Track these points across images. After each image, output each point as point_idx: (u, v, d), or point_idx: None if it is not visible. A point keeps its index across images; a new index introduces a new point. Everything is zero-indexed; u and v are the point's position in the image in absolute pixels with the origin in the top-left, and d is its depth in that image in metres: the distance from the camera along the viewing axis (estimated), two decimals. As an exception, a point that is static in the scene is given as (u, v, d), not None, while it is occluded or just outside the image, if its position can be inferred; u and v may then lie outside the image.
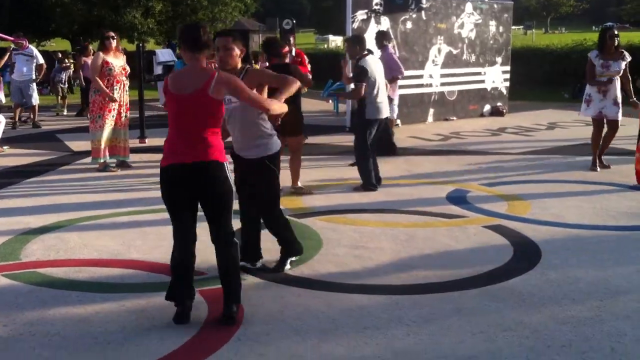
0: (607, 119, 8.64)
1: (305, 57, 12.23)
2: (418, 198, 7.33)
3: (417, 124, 13.41)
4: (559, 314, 4.18)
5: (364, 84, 7.42)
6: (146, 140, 11.35)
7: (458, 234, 5.95)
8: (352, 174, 8.35)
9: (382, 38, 10.07)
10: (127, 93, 9.19)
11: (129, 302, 4.43)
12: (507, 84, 15.36)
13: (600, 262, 5.16)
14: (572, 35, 35.71)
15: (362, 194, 7.53)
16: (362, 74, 7.46)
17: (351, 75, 8.08)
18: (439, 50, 13.89)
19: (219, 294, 4.29)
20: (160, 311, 4.26)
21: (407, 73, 12.38)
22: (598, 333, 3.91)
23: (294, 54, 11.42)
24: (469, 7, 14.24)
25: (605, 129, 8.74)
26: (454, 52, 14.15)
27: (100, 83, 8.74)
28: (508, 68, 15.31)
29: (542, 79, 20.52)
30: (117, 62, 8.98)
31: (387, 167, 8.19)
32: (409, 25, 13.20)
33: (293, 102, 7.07)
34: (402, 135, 11.62)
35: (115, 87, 8.86)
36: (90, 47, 15.83)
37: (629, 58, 8.60)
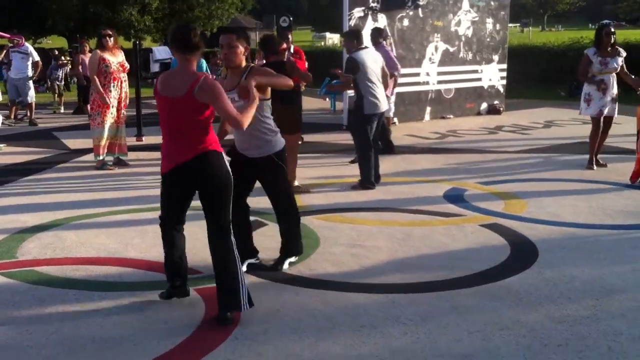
0: (604, 117, 8.65)
1: (303, 54, 12.21)
2: (415, 196, 7.34)
3: (414, 122, 13.40)
4: (555, 313, 4.19)
5: (351, 75, 7.42)
6: (143, 138, 11.34)
7: (455, 232, 5.96)
8: (349, 172, 8.37)
9: (377, 35, 10.06)
10: (126, 90, 9.15)
11: (127, 300, 4.43)
12: (504, 82, 15.36)
13: (596, 261, 5.17)
14: (569, 33, 35.78)
15: (360, 192, 7.53)
16: (351, 67, 7.46)
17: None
18: (436, 48, 13.89)
19: (215, 293, 4.29)
20: (158, 310, 4.27)
21: (404, 71, 12.40)
22: (594, 332, 3.93)
23: (292, 50, 11.40)
24: (465, 4, 14.23)
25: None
26: (451, 49, 14.15)
27: (97, 83, 8.75)
28: (505, 66, 15.31)
29: (539, 76, 20.52)
30: (115, 59, 8.96)
31: (384, 165, 8.19)
32: (405, 22, 13.20)
33: (291, 101, 7.11)
34: (399, 134, 11.63)
35: (112, 85, 8.86)
36: (87, 44, 15.77)
37: (624, 54, 8.64)
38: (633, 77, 8.48)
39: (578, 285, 4.67)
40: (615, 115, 8.71)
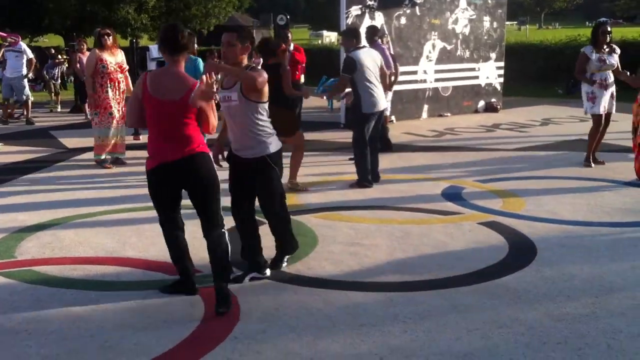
0: (605, 114, 8.66)
1: (303, 50, 12.22)
2: (413, 195, 7.34)
3: (412, 120, 13.41)
4: (554, 311, 4.20)
5: (348, 75, 7.43)
6: (140, 137, 11.32)
7: (453, 230, 5.96)
8: (347, 170, 8.37)
9: (372, 33, 10.03)
10: (122, 90, 9.09)
11: (125, 300, 4.43)
12: (501, 79, 15.36)
13: (595, 259, 5.18)
14: (566, 31, 35.82)
15: (357, 190, 7.53)
16: (348, 67, 7.46)
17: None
18: (433, 46, 13.88)
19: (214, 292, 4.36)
20: (157, 309, 4.27)
21: (401, 69, 12.40)
22: (593, 330, 3.93)
23: (291, 48, 11.39)
24: (462, 2, 14.22)
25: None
26: (448, 47, 14.15)
27: (90, 84, 8.76)
28: (502, 64, 15.31)
29: (536, 74, 20.52)
30: (113, 59, 8.92)
31: (382, 163, 8.19)
32: (403, 20, 13.19)
33: (285, 104, 7.13)
34: (397, 132, 11.63)
35: (109, 85, 8.83)
36: (85, 43, 15.71)
37: (618, 51, 8.65)
38: (628, 73, 8.48)
39: (577, 283, 4.67)
40: (614, 112, 8.72)
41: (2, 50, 13.74)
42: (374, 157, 7.76)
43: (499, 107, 15.07)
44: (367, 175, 7.65)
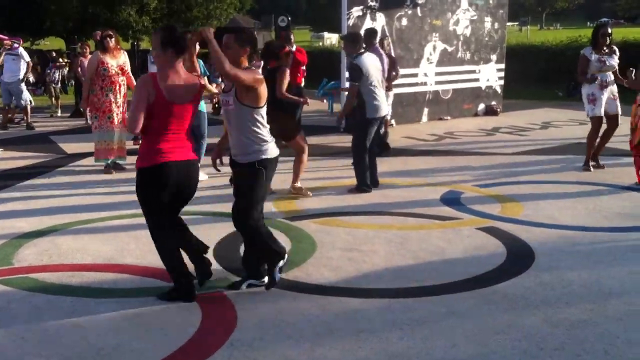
0: (608, 115, 8.64)
1: (305, 52, 12.23)
2: (412, 200, 7.34)
3: (412, 124, 13.40)
4: (552, 317, 4.20)
5: (357, 84, 7.42)
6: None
7: (451, 236, 5.96)
8: (346, 174, 8.36)
9: (370, 36, 10.00)
10: (124, 94, 9.04)
11: (123, 307, 4.43)
12: (502, 82, 15.34)
13: (593, 264, 5.17)
14: (567, 32, 35.79)
15: (356, 196, 7.52)
16: (356, 74, 7.46)
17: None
18: (434, 48, 13.87)
19: (213, 298, 4.48)
20: (154, 316, 4.28)
21: (402, 71, 12.42)
22: (591, 336, 3.93)
23: (293, 49, 11.37)
24: (464, 3, 14.19)
25: (604, 127, 8.75)
26: (449, 49, 14.13)
27: (87, 86, 8.77)
28: (503, 66, 15.28)
29: (537, 76, 20.50)
30: (114, 62, 8.88)
31: (381, 167, 8.19)
32: (404, 22, 13.18)
33: (284, 108, 7.15)
34: (397, 136, 11.63)
35: (110, 88, 8.79)
36: (88, 47, 15.65)
37: (617, 53, 8.65)
38: (634, 72, 8.45)
39: (575, 289, 4.67)
40: (620, 112, 8.69)
41: (3, 55, 13.72)
42: (372, 162, 7.75)
43: (499, 110, 15.05)
44: (366, 180, 7.65)
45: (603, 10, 75.87)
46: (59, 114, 16.63)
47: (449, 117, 14.27)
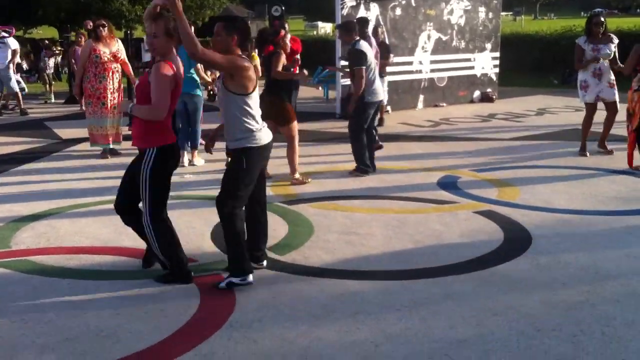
0: (605, 102, 8.69)
1: (299, 40, 12.23)
2: (409, 184, 7.35)
3: (408, 110, 13.40)
4: (549, 299, 4.21)
5: (363, 67, 7.44)
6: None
7: (449, 219, 5.97)
8: (343, 159, 8.37)
9: (362, 26, 9.97)
10: (118, 80, 9.04)
11: (121, 289, 4.43)
12: (497, 70, 15.36)
13: (589, 247, 5.19)
14: (561, 22, 35.80)
15: (353, 179, 7.53)
16: (361, 58, 7.48)
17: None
18: (429, 37, 13.86)
19: (212, 281, 4.49)
20: (152, 298, 4.28)
21: (396, 60, 12.43)
22: (588, 317, 3.95)
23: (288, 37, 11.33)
24: (458, -7, 14.20)
25: (600, 115, 8.77)
26: (444, 38, 14.13)
27: (80, 74, 8.81)
28: (497, 54, 15.31)
29: (532, 65, 20.54)
30: (107, 49, 8.88)
31: (378, 152, 8.20)
32: (398, 11, 13.16)
33: (277, 93, 7.13)
34: (393, 122, 11.64)
35: (102, 75, 8.79)
36: (83, 36, 15.59)
37: (616, 41, 8.68)
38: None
39: (572, 271, 4.69)
40: (617, 100, 8.72)
41: None
42: (369, 147, 7.77)
43: (494, 97, 15.08)
44: (365, 160, 7.68)
45: (597, 0, 75.86)
46: (53, 100, 16.60)
47: (444, 104, 14.28)
